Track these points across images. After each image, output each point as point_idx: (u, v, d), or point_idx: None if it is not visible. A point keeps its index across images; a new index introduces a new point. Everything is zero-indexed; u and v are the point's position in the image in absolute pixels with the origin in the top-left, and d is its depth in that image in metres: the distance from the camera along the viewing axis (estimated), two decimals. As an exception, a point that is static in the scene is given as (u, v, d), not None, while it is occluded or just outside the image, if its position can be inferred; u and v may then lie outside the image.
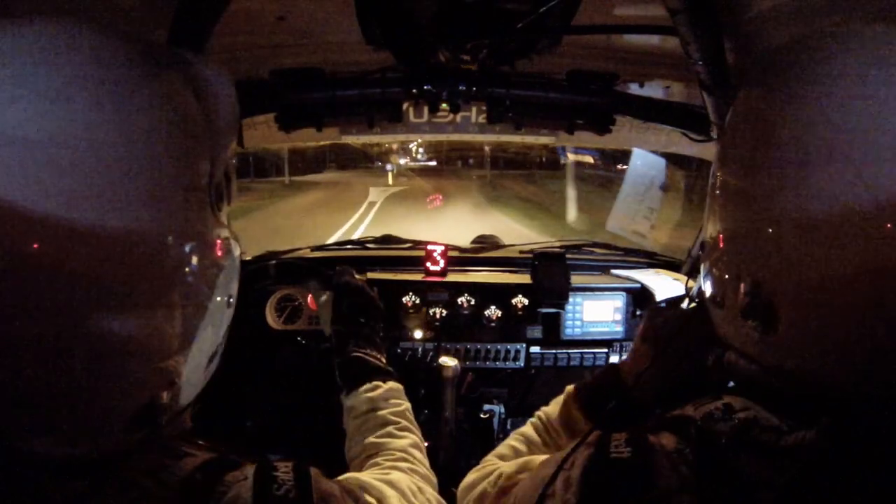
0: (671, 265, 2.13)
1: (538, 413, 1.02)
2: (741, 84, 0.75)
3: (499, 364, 1.94)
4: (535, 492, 0.69)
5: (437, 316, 1.94)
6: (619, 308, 1.97)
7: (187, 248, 0.57)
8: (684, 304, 1.05)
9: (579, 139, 1.95)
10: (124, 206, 0.51)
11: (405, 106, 1.82)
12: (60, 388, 0.50)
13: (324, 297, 1.31)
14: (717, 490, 0.56)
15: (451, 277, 2.02)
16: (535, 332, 1.96)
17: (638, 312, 1.97)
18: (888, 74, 0.54)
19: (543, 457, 0.81)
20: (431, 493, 0.90)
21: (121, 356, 0.52)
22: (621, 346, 1.97)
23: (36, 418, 0.51)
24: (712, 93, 1.08)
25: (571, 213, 10.89)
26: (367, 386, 1.06)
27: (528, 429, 1.00)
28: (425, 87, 1.64)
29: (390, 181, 21.76)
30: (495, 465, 0.89)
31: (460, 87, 1.65)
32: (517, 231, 9.67)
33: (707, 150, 1.64)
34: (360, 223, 11.44)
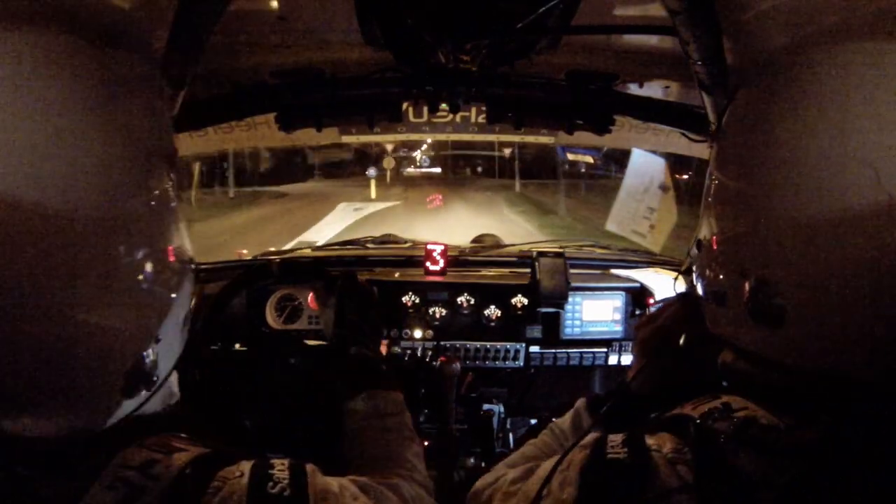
0: (670, 265, 2.13)
1: (551, 425, 1.03)
2: (740, 85, 0.75)
3: (498, 364, 1.94)
4: (533, 492, 0.69)
5: (437, 315, 1.94)
6: (619, 308, 1.97)
7: (141, 205, 0.61)
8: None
9: (578, 139, 1.95)
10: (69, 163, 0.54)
11: (405, 106, 1.82)
12: (43, 355, 0.52)
13: (328, 300, 1.30)
14: (717, 490, 0.56)
15: (451, 277, 2.02)
16: (535, 331, 1.96)
17: (637, 312, 1.97)
18: (886, 75, 0.54)
19: (548, 462, 0.81)
20: (430, 501, 0.91)
21: (99, 310, 0.55)
22: (620, 346, 1.97)
23: (22, 392, 0.53)
24: (711, 93, 1.08)
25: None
26: (369, 392, 1.05)
27: (540, 439, 1.02)
28: (425, 88, 1.64)
29: (373, 194, 17.82)
30: (503, 471, 0.90)
31: (460, 88, 1.65)
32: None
33: (706, 151, 1.64)
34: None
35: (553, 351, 1.96)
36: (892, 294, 0.51)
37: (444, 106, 1.75)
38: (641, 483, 0.58)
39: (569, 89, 1.69)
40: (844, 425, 0.53)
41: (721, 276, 0.70)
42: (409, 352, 1.91)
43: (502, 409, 1.95)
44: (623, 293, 1.97)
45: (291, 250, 2.18)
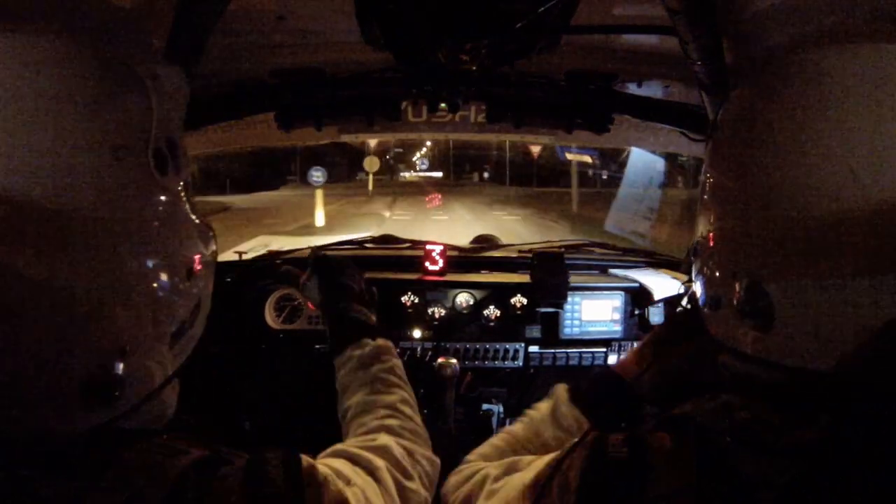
0: (670, 264, 2.13)
1: (528, 412, 1.01)
2: (736, 83, 0.75)
3: (497, 364, 1.94)
4: (527, 494, 0.68)
5: (436, 315, 1.94)
6: (618, 307, 1.97)
7: (121, 208, 0.59)
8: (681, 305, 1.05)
9: (578, 139, 1.95)
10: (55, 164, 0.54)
11: (404, 105, 1.82)
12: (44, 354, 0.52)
13: (303, 278, 1.31)
14: (717, 490, 0.56)
15: (450, 277, 2.02)
16: (534, 331, 1.96)
17: (636, 312, 1.97)
18: (884, 75, 0.54)
19: (530, 458, 0.80)
20: (422, 452, 0.89)
21: (49, 316, 0.53)
22: (620, 346, 1.97)
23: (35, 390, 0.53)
24: (711, 93, 1.08)
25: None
26: (354, 344, 1.05)
27: (515, 427, 0.99)
28: (424, 87, 1.64)
29: (319, 221, 13.04)
30: (478, 466, 0.88)
31: (459, 87, 1.65)
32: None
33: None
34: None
35: (552, 351, 1.96)
36: (881, 295, 0.51)
37: (443, 105, 1.75)
38: (642, 483, 0.58)
39: (568, 89, 1.69)
40: (844, 425, 0.53)
41: (714, 277, 0.70)
42: (408, 352, 1.91)
43: (501, 409, 1.95)
44: (622, 293, 1.97)
45: (291, 251, 2.18)
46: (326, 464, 0.74)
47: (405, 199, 18.54)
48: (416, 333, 1.93)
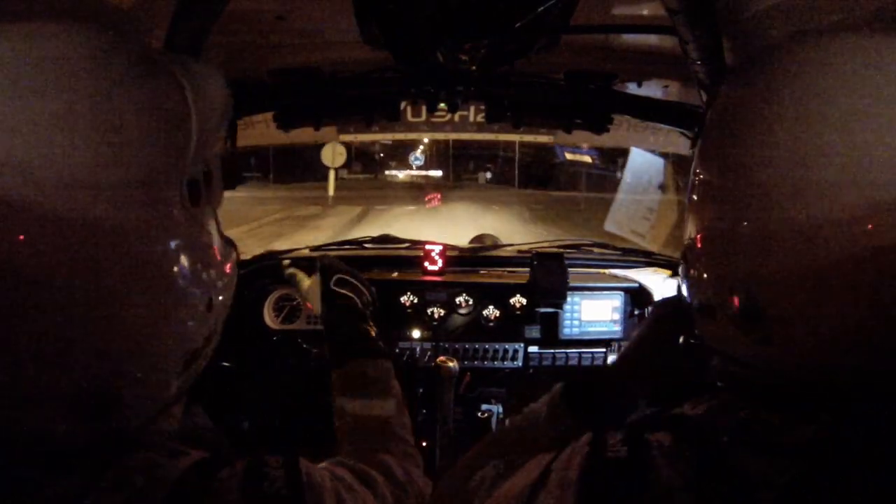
0: (670, 264, 2.13)
1: (525, 411, 0.98)
2: (726, 80, 0.73)
3: (497, 364, 1.94)
4: (526, 492, 0.68)
5: (436, 316, 1.94)
6: (618, 308, 1.97)
7: (143, 242, 0.56)
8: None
9: (577, 138, 1.95)
10: (84, 194, 0.51)
11: (403, 105, 1.82)
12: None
13: (307, 282, 1.30)
14: (717, 489, 0.56)
15: (450, 277, 2.02)
16: (534, 331, 1.96)
17: (636, 312, 1.97)
18: (876, 72, 0.53)
19: (525, 458, 0.79)
20: (418, 474, 0.89)
21: (60, 340, 0.52)
22: (619, 346, 1.97)
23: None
24: (711, 92, 1.08)
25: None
26: (350, 363, 1.05)
27: (513, 425, 0.98)
28: (424, 87, 1.64)
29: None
30: (474, 465, 0.86)
31: (458, 87, 1.65)
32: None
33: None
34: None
35: (552, 351, 1.96)
36: (878, 298, 0.50)
37: (442, 105, 1.75)
38: (643, 481, 0.58)
39: (568, 89, 1.69)
40: (844, 425, 0.53)
41: (704, 283, 0.68)
42: (407, 352, 1.91)
43: (501, 410, 1.95)
44: (622, 293, 1.97)
45: (290, 251, 2.17)
46: (328, 469, 0.73)
47: (386, 211, 13.68)
48: (416, 333, 1.93)
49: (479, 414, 1.89)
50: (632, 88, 1.76)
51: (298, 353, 1.91)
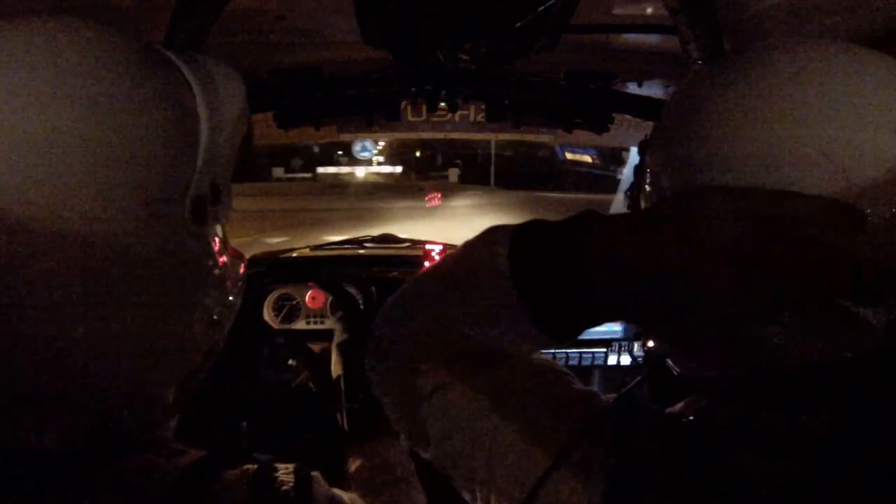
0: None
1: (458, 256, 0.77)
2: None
3: (497, 363, 1.93)
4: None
5: (436, 315, 1.93)
6: (618, 307, 1.96)
7: (141, 264, 0.54)
8: None
9: (577, 138, 1.95)
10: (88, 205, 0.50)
11: (403, 105, 1.82)
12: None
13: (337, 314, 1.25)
14: (717, 489, 0.56)
15: None
16: None
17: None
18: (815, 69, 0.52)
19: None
20: None
21: (67, 357, 0.51)
22: (620, 346, 1.97)
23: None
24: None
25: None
26: (364, 448, 1.00)
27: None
28: (424, 87, 1.64)
29: None
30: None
31: (459, 87, 1.65)
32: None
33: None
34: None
35: (552, 351, 1.96)
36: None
37: (442, 105, 1.75)
38: (642, 482, 0.58)
39: (568, 89, 1.69)
40: (844, 424, 0.53)
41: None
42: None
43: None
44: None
45: (290, 250, 2.17)
46: (348, 495, 0.73)
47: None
48: None
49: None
50: (632, 88, 1.76)
51: (298, 352, 1.91)
